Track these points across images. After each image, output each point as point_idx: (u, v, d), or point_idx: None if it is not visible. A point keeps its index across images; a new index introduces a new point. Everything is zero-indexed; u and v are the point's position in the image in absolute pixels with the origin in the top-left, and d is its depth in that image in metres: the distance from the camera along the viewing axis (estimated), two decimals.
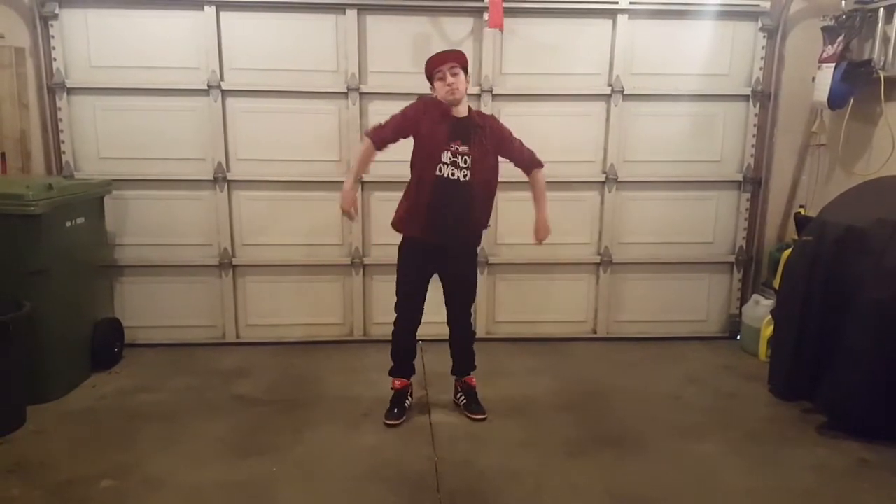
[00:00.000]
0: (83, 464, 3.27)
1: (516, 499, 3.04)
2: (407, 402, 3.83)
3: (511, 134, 3.67)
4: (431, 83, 3.55)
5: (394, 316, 3.78)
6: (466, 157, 3.49)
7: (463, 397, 3.86)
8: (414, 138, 3.55)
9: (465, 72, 3.52)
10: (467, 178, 3.49)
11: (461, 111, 3.53)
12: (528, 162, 3.71)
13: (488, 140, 3.55)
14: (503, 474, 3.23)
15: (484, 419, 3.76)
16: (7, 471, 3.20)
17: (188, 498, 3.03)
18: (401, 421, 3.72)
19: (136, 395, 4.09)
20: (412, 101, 3.59)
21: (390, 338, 3.82)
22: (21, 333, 3.59)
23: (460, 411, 3.86)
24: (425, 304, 3.75)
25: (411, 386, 3.89)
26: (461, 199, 3.52)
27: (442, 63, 3.43)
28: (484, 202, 3.63)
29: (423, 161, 3.52)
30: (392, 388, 3.82)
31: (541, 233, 3.77)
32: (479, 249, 4.85)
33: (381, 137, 3.51)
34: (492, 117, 3.78)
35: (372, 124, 3.64)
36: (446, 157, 3.47)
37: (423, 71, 3.59)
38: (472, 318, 3.90)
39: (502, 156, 3.67)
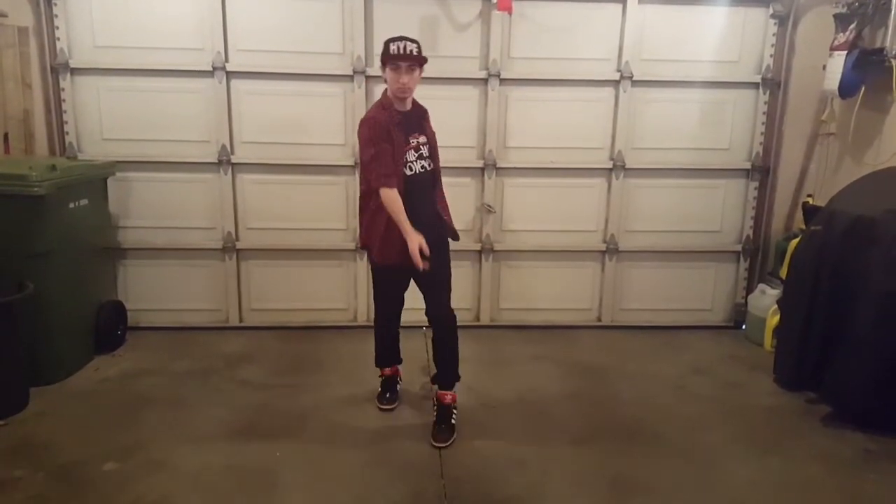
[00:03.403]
0: (86, 446, 3.27)
1: (520, 486, 3.04)
2: (398, 385, 3.86)
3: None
4: (384, 65, 3.29)
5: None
6: (425, 145, 3.44)
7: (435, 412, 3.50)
8: None
9: (422, 68, 3.31)
10: (431, 166, 3.46)
11: (407, 104, 3.38)
12: (437, 167, 3.55)
13: (430, 126, 3.51)
14: (507, 461, 3.23)
15: (445, 447, 3.32)
16: (10, 452, 3.20)
17: (191, 481, 3.03)
18: (394, 405, 3.74)
19: (139, 377, 4.09)
20: (367, 122, 3.33)
21: None
22: (24, 315, 3.58)
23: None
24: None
25: (399, 370, 3.91)
26: (429, 189, 3.46)
27: (402, 59, 3.21)
28: (439, 187, 3.55)
29: None
30: (381, 376, 3.83)
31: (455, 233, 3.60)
32: (484, 237, 4.90)
33: (394, 174, 3.25)
34: (424, 107, 3.54)
35: (370, 176, 3.31)
36: (411, 155, 3.36)
37: (382, 49, 3.29)
38: (455, 318, 3.50)
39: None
